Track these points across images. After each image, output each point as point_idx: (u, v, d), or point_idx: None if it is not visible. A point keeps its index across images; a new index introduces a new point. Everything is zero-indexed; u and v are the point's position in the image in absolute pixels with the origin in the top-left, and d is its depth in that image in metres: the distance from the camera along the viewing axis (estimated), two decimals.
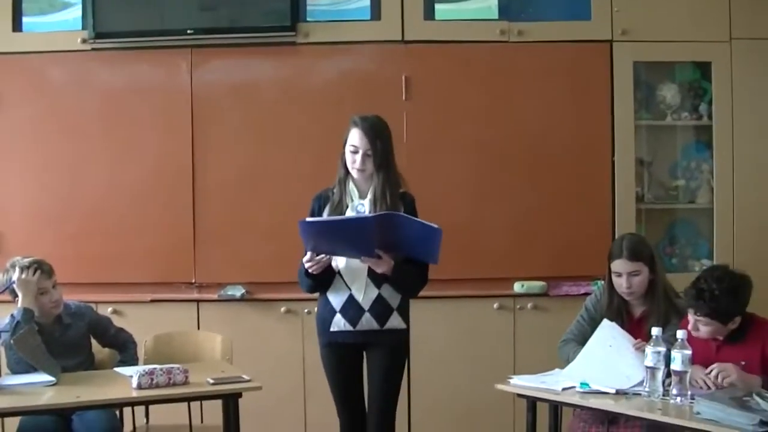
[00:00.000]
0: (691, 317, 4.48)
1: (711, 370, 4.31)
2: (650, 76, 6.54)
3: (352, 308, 4.76)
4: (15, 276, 4.95)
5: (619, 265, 4.88)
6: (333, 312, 4.80)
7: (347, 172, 4.84)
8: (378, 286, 4.74)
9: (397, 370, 4.90)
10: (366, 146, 4.73)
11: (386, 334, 4.78)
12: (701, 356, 4.39)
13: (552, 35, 6.34)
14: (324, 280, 4.79)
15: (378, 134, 4.76)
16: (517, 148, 6.34)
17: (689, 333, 4.38)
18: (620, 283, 4.88)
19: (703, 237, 6.55)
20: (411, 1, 6.32)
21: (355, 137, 4.77)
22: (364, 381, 4.94)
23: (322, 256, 4.65)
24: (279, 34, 6.31)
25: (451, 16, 6.38)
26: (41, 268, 5.02)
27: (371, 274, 4.72)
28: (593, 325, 4.91)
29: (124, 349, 5.31)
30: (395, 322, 4.79)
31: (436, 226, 4.54)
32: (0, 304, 5.18)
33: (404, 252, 4.69)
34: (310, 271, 4.69)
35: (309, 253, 4.65)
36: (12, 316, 4.87)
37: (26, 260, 5.03)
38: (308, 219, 4.67)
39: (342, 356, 4.87)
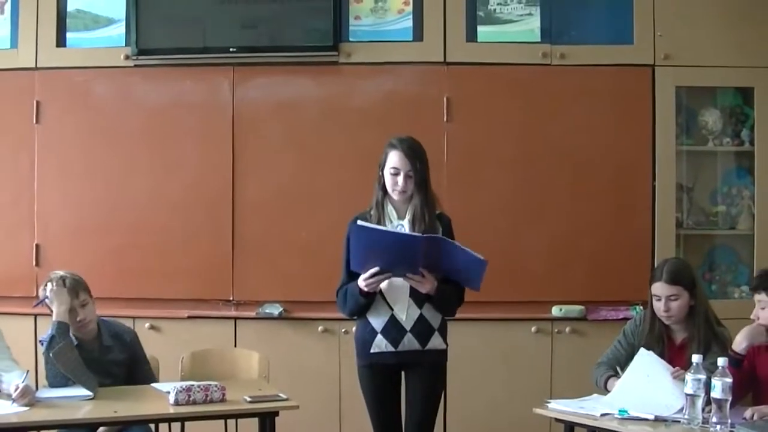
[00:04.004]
0: (756, 307, 4.53)
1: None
2: (692, 101, 6.50)
3: (394, 329, 4.73)
4: (47, 290, 4.96)
5: (658, 288, 4.83)
6: (374, 333, 4.77)
7: (385, 195, 4.83)
8: (420, 306, 4.72)
9: (436, 392, 4.89)
10: (407, 167, 4.73)
11: (427, 355, 4.76)
12: None
13: (594, 59, 6.33)
14: (370, 302, 4.76)
15: (417, 155, 4.76)
16: (558, 171, 6.32)
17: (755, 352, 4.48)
18: (659, 307, 4.83)
19: (744, 263, 6.50)
20: (453, 23, 6.33)
21: (395, 159, 4.76)
22: (401, 401, 4.91)
23: (377, 269, 4.59)
24: (321, 54, 6.33)
25: (493, 39, 6.38)
26: (66, 285, 4.98)
27: (413, 293, 4.70)
28: (630, 350, 4.88)
29: None
30: (436, 342, 4.77)
31: (482, 257, 4.54)
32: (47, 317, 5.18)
33: (447, 274, 4.67)
34: (366, 288, 4.64)
35: (369, 272, 4.61)
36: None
37: (57, 274, 5.04)
38: (361, 223, 4.65)
39: (382, 378, 4.84)
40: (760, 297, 4.52)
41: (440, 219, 4.85)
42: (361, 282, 4.64)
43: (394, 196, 4.79)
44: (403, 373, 4.88)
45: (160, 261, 6.36)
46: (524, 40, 6.38)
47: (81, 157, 6.41)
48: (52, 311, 4.95)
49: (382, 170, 4.82)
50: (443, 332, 4.83)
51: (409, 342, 4.73)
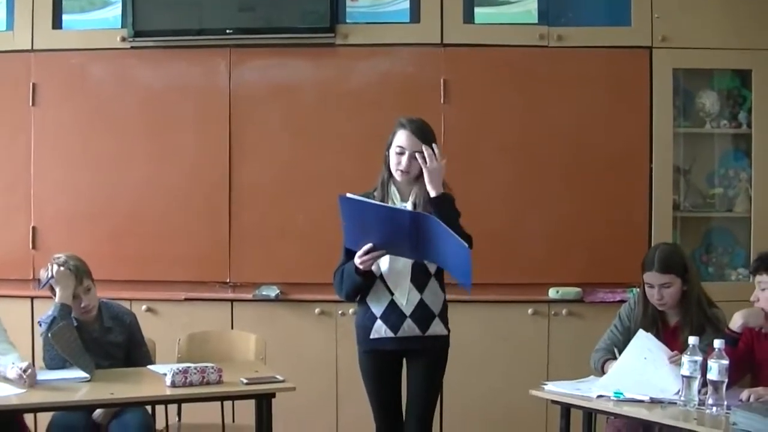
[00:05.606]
0: (756, 289, 4.54)
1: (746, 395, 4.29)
2: (689, 84, 6.49)
3: (393, 314, 4.67)
4: (53, 272, 4.95)
5: (650, 276, 4.84)
6: (373, 319, 4.72)
7: (390, 175, 4.75)
8: (421, 291, 4.68)
9: (437, 378, 4.83)
10: (413, 147, 4.66)
11: (428, 341, 4.71)
12: None
13: (592, 41, 6.31)
14: (367, 285, 4.70)
15: (425, 136, 4.69)
16: (555, 154, 6.32)
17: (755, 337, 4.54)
18: (652, 294, 4.84)
19: (740, 246, 6.50)
20: (450, 5, 6.31)
21: (402, 138, 4.69)
22: (402, 387, 4.87)
23: (371, 246, 4.53)
24: (318, 36, 6.31)
25: (490, 20, 6.36)
26: (70, 270, 4.98)
27: (414, 278, 4.66)
28: (626, 334, 4.89)
29: None
30: (437, 328, 4.72)
31: (465, 245, 4.42)
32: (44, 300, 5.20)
33: (438, 261, 4.62)
34: (362, 267, 4.58)
35: (363, 249, 4.54)
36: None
37: (61, 257, 5.03)
38: (349, 195, 4.56)
39: (382, 364, 4.79)
40: (760, 278, 4.52)
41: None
42: (357, 259, 4.59)
43: (397, 176, 4.71)
44: (405, 360, 4.84)
45: (157, 243, 6.36)
46: (521, 21, 6.36)
47: (78, 140, 6.41)
48: (55, 293, 4.96)
49: (389, 149, 4.75)
50: (444, 318, 4.78)
51: (409, 328, 4.67)
